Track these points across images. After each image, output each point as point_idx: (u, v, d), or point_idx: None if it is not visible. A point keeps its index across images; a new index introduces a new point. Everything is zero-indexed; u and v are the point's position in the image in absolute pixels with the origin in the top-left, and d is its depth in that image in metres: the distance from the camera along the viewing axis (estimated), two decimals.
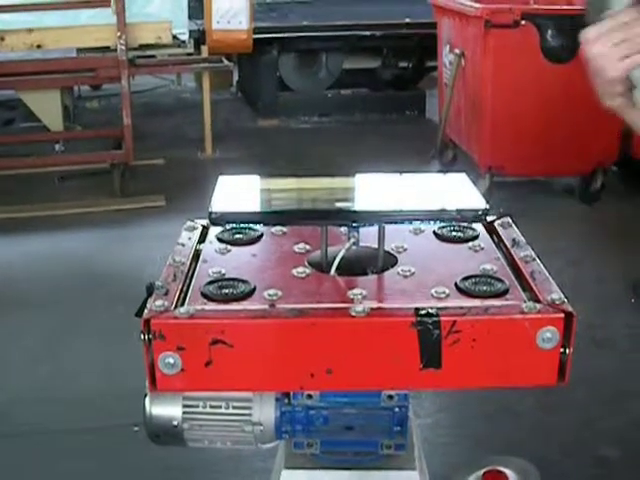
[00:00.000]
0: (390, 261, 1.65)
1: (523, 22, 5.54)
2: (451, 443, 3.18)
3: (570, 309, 1.45)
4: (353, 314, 1.43)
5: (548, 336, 1.43)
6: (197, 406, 1.64)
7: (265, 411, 1.64)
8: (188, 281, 1.61)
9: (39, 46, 6.11)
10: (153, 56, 7.21)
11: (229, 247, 1.77)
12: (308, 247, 1.71)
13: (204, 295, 1.52)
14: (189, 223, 1.97)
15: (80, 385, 3.66)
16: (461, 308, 1.44)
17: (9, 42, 6.04)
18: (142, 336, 1.45)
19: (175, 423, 1.65)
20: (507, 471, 2.00)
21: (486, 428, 3.25)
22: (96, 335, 4.08)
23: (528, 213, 5.66)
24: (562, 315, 1.44)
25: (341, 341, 1.43)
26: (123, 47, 5.97)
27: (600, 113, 1.72)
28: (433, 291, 1.51)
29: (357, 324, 1.43)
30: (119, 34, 5.93)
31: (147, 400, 1.66)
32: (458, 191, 1.75)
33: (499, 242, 1.80)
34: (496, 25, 5.56)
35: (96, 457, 3.20)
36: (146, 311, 1.48)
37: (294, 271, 1.61)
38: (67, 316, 4.28)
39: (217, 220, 1.66)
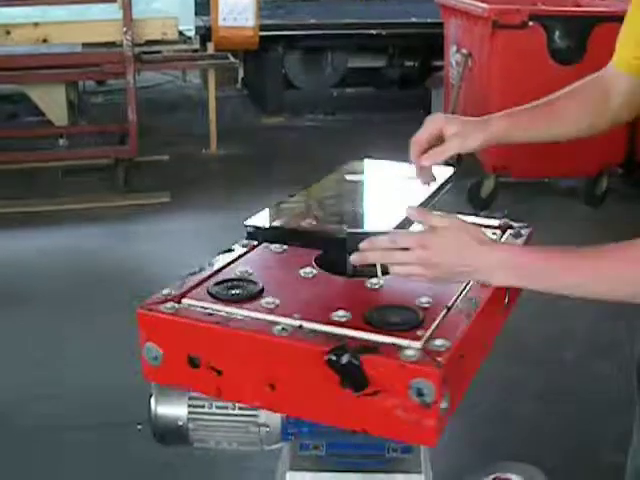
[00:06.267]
0: None
1: (531, 23, 5.53)
2: (455, 446, 3.16)
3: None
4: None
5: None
6: (203, 406, 1.63)
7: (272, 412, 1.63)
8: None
9: (45, 40, 6.10)
10: (159, 52, 7.19)
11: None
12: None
13: (208, 291, 1.54)
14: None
15: (83, 382, 3.65)
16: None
17: (15, 36, 6.02)
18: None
19: (180, 423, 1.64)
20: (516, 478, 1.98)
21: (490, 432, 3.24)
22: (99, 332, 4.06)
23: (533, 215, 5.63)
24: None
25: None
26: (129, 43, 5.96)
27: None
28: None
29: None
30: (125, 29, 5.92)
31: (152, 399, 1.65)
32: None
33: None
34: (503, 26, 5.54)
35: (99, 455, 3.19)
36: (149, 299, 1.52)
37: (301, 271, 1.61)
38: (70, 312, 4.27)
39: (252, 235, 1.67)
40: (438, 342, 1.38)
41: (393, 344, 1.38)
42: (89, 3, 6.13)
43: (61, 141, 6.88)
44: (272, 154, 6.96)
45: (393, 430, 1.38)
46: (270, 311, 1.48)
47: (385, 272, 1.55)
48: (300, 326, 1.42)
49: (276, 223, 1.73)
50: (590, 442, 3.17)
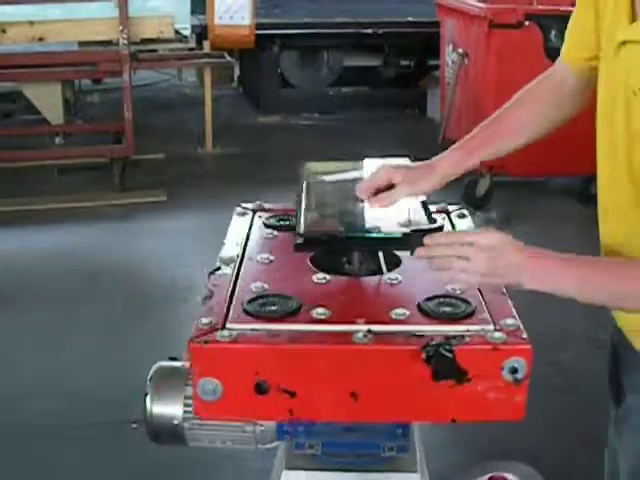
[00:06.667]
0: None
1: (527, 22, 5.54)
2: (451, 445, 3.16)
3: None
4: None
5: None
6: None
7: None
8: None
9: (41, 39, 6.08)
10: (155, 50, 7.18)
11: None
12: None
13: (247, 312, 1.48)
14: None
15: (79, 381, 3.65)
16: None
17: (11, 34, 6.01)
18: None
19: (176, 422, 1.63)
20: (512, 477, 1.98)
21: (487, 431, 3.23)
22: (96, 330, 4.06)
23: (528, 213, 5.65)
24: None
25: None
26: (125, 41, 5.95)
27: None
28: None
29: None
30: (121, 28, 5.91)
31: (148, 399, 1.65)
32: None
33: None
34: (499, 25, 5.55)
35: (94, 453, 3.19)
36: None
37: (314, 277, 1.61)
38: (67, 310, 4.26)
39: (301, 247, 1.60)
40: (509, 321, 1.44)
41: (468, 330, 1.42)
42: (85, 1, 6.12)
43: (57, 139, 6.87)
44: (268, 153, 6.95)
45: (483, 413, 1.43)
46: (329, 321, 1.45)
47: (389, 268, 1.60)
48: (369, 330, 1.41)
49: (320, 231, 1.64)
50: (588, 442, 3.18)
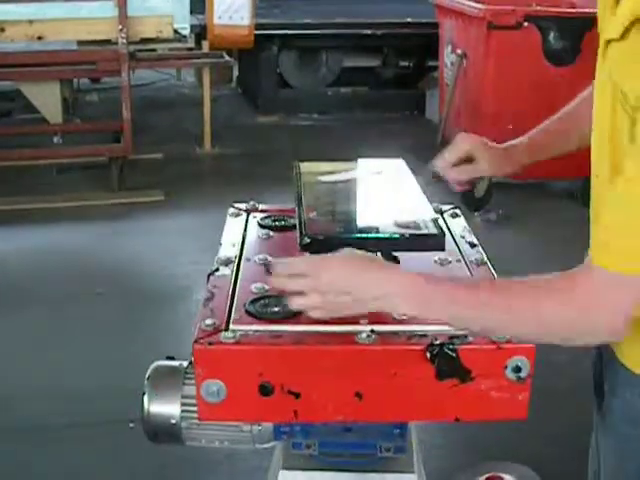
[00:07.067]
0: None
1: (525, 24, 5.54)
2: (449, 446, 3.16)
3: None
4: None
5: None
6: (196, 405, 1.62)
7: None
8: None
9: (40, 38, 6.08)
10: (154, 50, 7.18)
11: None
12: None
13: (249, 313, 1.47)
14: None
15: (77, 381, 3.64)
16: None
17: (9, 33, 6.00)
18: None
19: (173, 421, 1.63)
20: (509, 478, 1.98)
21: (484, 432, 3.23)
22: (93, 329, 4.05)
23: (528, 216, 5.65)
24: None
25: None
26: (124, 40, 5.94)
27: None
28: None
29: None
30: (120, 27, 5.90)
31: (145, 398, 1.64)
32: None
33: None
34: (498, 26, 5.56)
35: (93, 452, 3.19)
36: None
37: None
38: (65, 310, 4.26)
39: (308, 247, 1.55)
40: None
41: None
42: (84, 0, 6.12)
43: (55, 138, 6.86)
44: (266, 153, 6.95)
45: (486, 412, 1.43)
46: (331, 322, 1.42)
47: None
48: (372, 330, 1.41)
49: (327, 232, 1.59)
50: (586, 444, 3.17)
